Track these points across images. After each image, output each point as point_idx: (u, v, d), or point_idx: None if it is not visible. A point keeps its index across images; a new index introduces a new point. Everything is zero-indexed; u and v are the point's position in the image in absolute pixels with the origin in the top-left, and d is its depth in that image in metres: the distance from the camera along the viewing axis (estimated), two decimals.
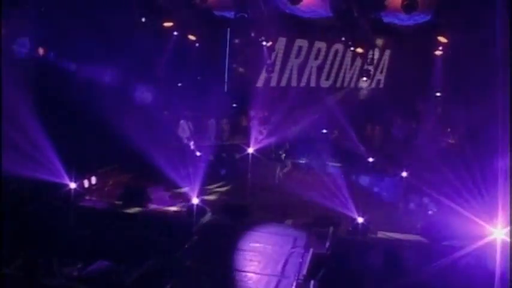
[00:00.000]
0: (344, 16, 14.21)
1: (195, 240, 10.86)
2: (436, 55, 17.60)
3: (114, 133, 13.66)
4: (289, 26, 16.77)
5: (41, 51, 13.94)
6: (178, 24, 15.87)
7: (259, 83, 20.32)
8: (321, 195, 12.89)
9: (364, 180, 14.93)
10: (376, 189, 14.30)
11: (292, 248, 10.65)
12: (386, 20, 14.94)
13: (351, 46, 17.97)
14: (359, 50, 17.94)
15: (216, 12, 16.27)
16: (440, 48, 16.94)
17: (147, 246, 10.21)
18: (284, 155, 15.90)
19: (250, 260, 10.05)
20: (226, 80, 20.44)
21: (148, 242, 10.47)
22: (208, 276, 9.37)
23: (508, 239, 9.40)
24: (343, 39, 17.92)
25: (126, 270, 9.12)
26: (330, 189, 13.19)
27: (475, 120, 14.42)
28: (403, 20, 14.60)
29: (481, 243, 9.71)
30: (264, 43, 17.67)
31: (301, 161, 17.04)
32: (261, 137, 17.12)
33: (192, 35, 17.15)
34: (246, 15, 13.76)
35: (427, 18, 14.53)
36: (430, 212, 12.40)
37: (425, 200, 12.84)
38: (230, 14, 15.66)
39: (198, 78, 19.15)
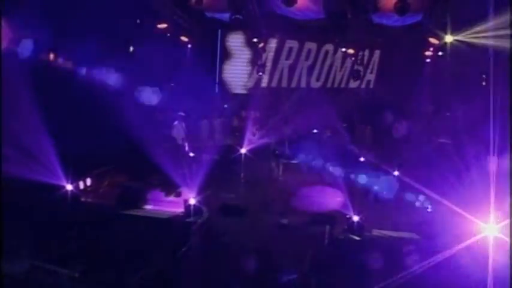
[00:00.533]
0: (337, 18, 14.36)
1: (193, 240, 10.95)
2: (426, 55, 17.82)
3: (109, 134, 13.69)
4: (280, 27, 16.93)
5: (36, 50, 13.89)
6: (172, 25, 15.94)
7: (250, 84, 20.50)
8: (316, 195, 13.04)
9: (358, 179, 15.08)
10: (369, 188, 14.46)
11: (291, 246, 10.79)
12: (375, 20, 15.14)
13: (341, 47, 18.16)
14: (349, 50, 18.13)
15: (208, 14, 16.37)
16: (431, 48, 17.15)
17: (145, 247, 10.28)
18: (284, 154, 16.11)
19: (250, 259, 10.16)
20: (217, 81, 20.60)
21: (146, 243, 10.53)
22: (209, 276, 9.48)
23: (501, 236, 9.64)
24: (336, 40, 18.09)
25: (129, 271, 9.21)
26: (325, 189, 13.34)
27: (467, 119, 14.66)
28: (393, 20, 14.78)
29: (474, 239, 9.90)
30: (257, 44, 17.82)
31: (294, 161, 17.20)
32: (253, 138, 17.26)
33: (184, 36, 17.22)
34: (241, 18, 13.92)
35: (417, 19, 14.75)
36: (429, 210, 12.59)
37: (419, 198, 13.05)
38: (222, 16, 15.80)
39: (190, 79, 19.20)
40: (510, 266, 8.56)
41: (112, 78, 14.92)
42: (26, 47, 12.74)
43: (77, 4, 13.28)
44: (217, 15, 15.87)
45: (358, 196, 12.91)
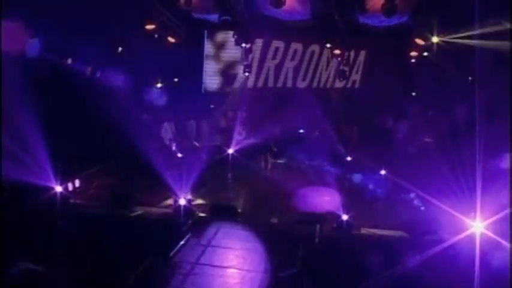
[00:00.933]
0: (324, 19, 14.51)
1: (185, 240, 11.00)
2: (411, 56, 18.00)
3: (98, 134, 13.67)
4: (267, 27, 17.01)
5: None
6: (159, 26, 15.93)
7: (237, 84, 20.53)
8: (305, 194, 13.15)
9: (346, 178, 15.25)
10: (358, 187, 14.63)
11: (282, 245, 10.88)
12: (362, 21, 15.28)
13: (328, 47, 18.29)
14: (335, 51, 18.26)
15: (195, 15, 16.38)
16: (417, 49, 17.32)
17: (136, 248, 10.28)
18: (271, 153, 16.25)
19: (243, 258, 10.26)
20: (203, 82, 20.59)
21: (136, 244, 10.53)
22: (203, 276, 9.55)
23: (487, 232, 9.84)
24: (322, 41, 18.21)
25: (123, 272, 9.22)
26: (313, 188, 13.47)
27: (452, 118, 14.90)
28: (379, 21, 14.93)
29: (461, 236, 10.07)
30: (243, 45, 17.86)
31: (281, 161, 17.33)
32: (240, 138, 17.36)
33: (171, 37, 17.21)
34: (229, 19, 13.99)
35: (403, 19, 14.91)
36: (422, 208, 12.77)
37: (407, 196, 13.25)
38: (210, 17, 15.84)
39: (175, 80, 19.21)
40: (510, 267, 8.74)
41: (101, 78, 14.89)
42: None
43: (63, 4, 13.24)
44: (205, 16, 15.91)
45: (347, 195, 13.03)
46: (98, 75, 14.86)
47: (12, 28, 11.78)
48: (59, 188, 12.50)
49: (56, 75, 14.05)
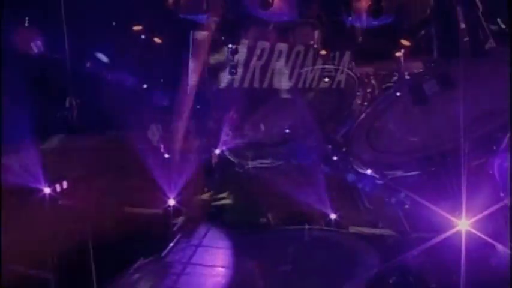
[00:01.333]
0: (310, 20, 14.60)
1: (176, 241, 11.03)
2: (398, 56, 18.16)
3: (86, 134, 13.59)
4: (253, 28, 17.05)
5: None
6: (145, 26, 15.88)
7: (223, 85, 20.51)
8: (292, 193, 13.24)
9: (336, 177, 15.32)
10: (348, 186, 14.72)
11: (272, 245, 10.97)
12: (348, 22, 15.39)
13: (313, 48, 18.35)
14: (321, 51, 18.33)
15: (182, 15, 16.37)
16: (402, 50, 17.48)
17: (126, 249, 10.30)
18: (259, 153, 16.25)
19: (234, 258, 10.31)
20: (189, 82, 20.54)
21: (127, 245, 10.54)
22: (195, 276, 9.59)
23: (473, 230, 10.00)
24: (310, 42, 18.26)
25: (115, 273, 9.23)
26: (301, 188, 13.54)
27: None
28: (364, 22, 15.06)
29: (447, 234, 10.23)
30: (230, 45, 17.87)
31: (269, 160, 17.34)
32: (227, 139, 17.35)
33: (157, 37, 17.16)
34: (217, 19, 14.03)
35: (389, 20, 15.06)
36: (410, 207, 12.91)
37: (397, 195, 13.37)
38: (197, 17, 15.83)
39: (161, 80, 19.17)
40: (510, 268, 8.91)
41: (87, 78, 14.79)
42: None
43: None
44: (193, 16, 15.89)
45: (336, 194, 13.15)
46: (82, 75, 14.73)
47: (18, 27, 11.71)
48: (47, 189, 12.42)
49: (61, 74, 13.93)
